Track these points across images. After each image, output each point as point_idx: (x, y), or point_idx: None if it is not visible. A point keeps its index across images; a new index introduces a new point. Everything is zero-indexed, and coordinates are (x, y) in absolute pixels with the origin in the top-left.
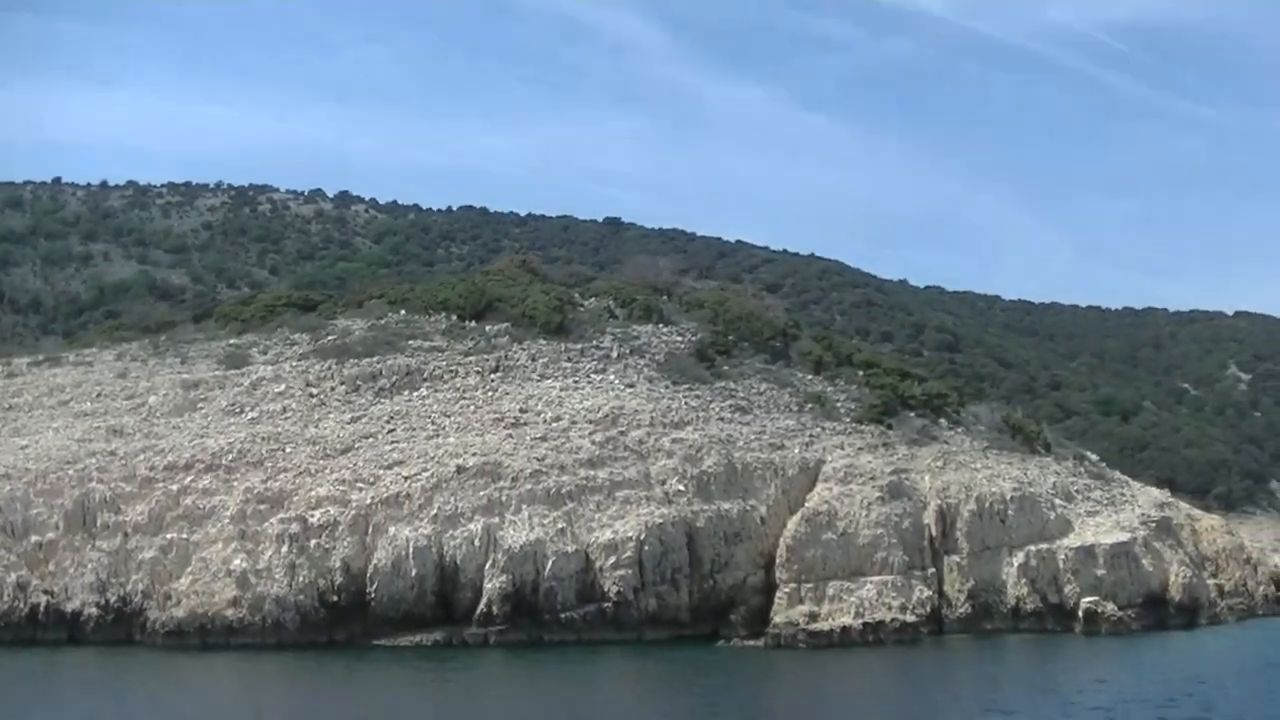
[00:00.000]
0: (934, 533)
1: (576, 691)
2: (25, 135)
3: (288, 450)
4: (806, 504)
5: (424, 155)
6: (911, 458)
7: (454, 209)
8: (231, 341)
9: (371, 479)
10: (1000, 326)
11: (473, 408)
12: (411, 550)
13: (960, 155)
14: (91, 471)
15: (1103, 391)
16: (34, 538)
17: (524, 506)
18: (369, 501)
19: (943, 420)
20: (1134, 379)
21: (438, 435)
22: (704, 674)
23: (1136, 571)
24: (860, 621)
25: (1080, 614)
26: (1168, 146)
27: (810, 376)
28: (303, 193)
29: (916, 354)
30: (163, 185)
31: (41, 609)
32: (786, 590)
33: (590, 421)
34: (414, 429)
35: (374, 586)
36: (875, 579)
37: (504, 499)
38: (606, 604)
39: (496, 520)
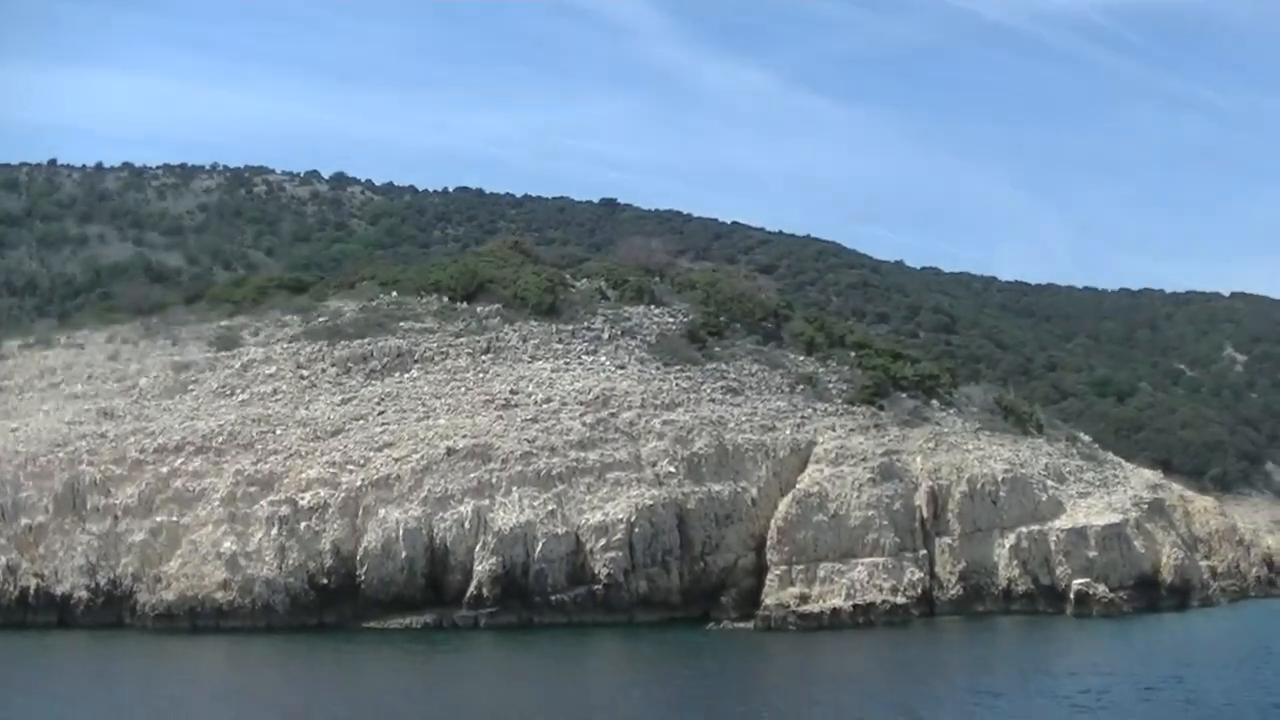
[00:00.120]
0: (925, 514)
1: (567, 674)
2: (21, 116)
3: (278, 432)
4: (798, 485)
5: (420, 137)
6: (903, 439)
7: (450, 190)
8: (223, 323)
9: (362, 461)
10: (997, 308)
11: (463, 389)
12: (401, 532)
13: (957, 137)
14: (82, 454)
15: (1099, 372)
16: (24, 520)
17: (514, 488)
18: (359, 483)
19: (935, 401)
20: (1130, 360)
21: (428, 417)
22: (694, 656)
23: (1128, 553)
24: (851, 603)
25: (1071, 596)
26: (1165, 128)
27: (802, 358)
28: (298, 174)
29: (913, 335)
30: (158, 167)
31: (31, 592)
32: (777, 572)
33: (581, 403)
34: (404, 411)
35: (364, 569)
36: (866, 561)
37: (494, 481)
38: (597, 586)
39: (487, 502)
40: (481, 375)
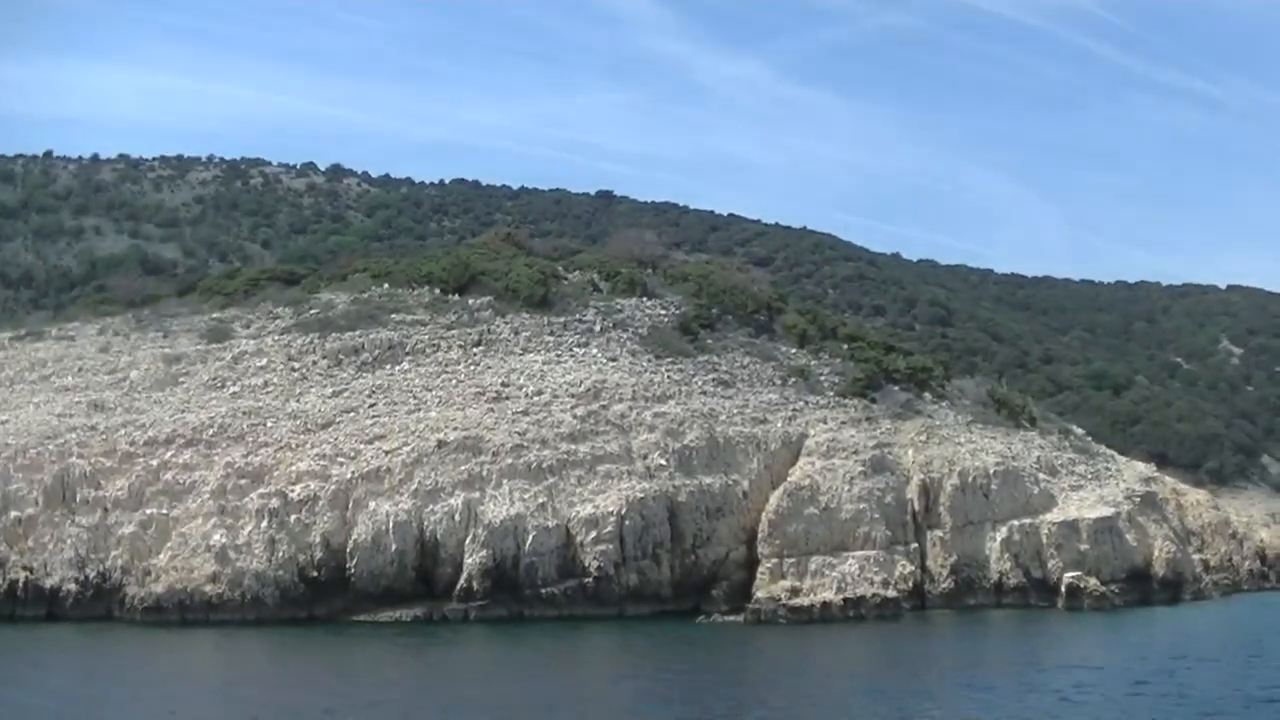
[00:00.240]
0: (917, 507)
1: (557, 667)
2: (16, 108)
3: (269, 425)
4: (789, 478)
5: (416, 129)
6: (895, 432)
7: (446, 182)
8: (214, 315)
9: (352, 453)
10: (993, 300)
11: (454, 381)
12: (392, 525)
13: (954, 129)
14: (72, 446)
15: (1095, 366)
16: (13, 513)
17: (505, 481)
18: (349, 476)
19: (927, 394)
20: (1126, 353)
21: (419, 409)
22: (685, 649)
23: (1120, 546)
24: (842, 597)
25: (1063, 589)
26: (1162, 120)
27: (794, 350)
28: (295, 166)
29: (909, 328)
30: (154, 159)
31: (20, 585)
32: (768, 565)
33: (572, 395)
34: (395, 403)
35: (354, 562)
36: (857, 554)
37: (485, 473)
38: (587, 579)
39: (477, 495)
40: (473, 367)
